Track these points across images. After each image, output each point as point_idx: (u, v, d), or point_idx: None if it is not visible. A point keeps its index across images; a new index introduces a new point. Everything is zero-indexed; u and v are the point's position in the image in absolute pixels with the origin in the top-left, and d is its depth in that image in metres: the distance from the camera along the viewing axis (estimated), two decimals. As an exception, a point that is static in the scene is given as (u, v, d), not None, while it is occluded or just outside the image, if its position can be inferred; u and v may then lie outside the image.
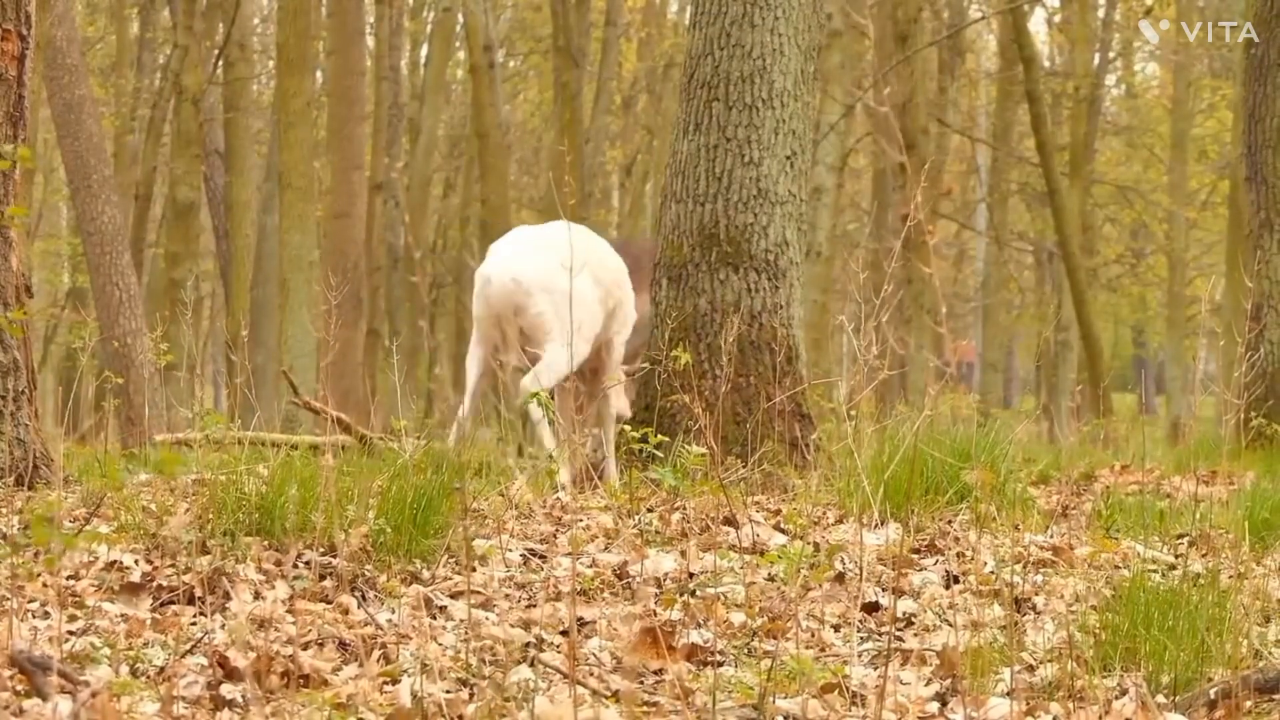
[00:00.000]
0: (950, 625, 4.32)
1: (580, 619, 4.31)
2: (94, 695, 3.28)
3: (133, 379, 14.12)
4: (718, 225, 8.19)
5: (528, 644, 4.04)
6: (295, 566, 4.57)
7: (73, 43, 15.61)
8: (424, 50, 29.51)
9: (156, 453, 8.49)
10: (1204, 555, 5.36)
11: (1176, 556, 5.34)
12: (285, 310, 16.87)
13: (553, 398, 7.71)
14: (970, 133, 26.99)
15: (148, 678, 3.74)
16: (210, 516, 4.75)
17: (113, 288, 14.89)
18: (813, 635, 4.31)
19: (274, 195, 22.03)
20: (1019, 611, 4.55)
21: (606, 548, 5.22)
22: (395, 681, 3.70)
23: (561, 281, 7.48)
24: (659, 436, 6.84)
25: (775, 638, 4.20)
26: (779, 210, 8.24)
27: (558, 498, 6.32)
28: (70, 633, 4.03)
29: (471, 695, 3.61)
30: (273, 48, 24.42)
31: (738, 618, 4.37)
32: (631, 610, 4.40)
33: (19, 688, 3.47)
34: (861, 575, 4.76)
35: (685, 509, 5.78)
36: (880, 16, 20.59)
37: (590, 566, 4.92)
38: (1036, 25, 29.38)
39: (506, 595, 4.62)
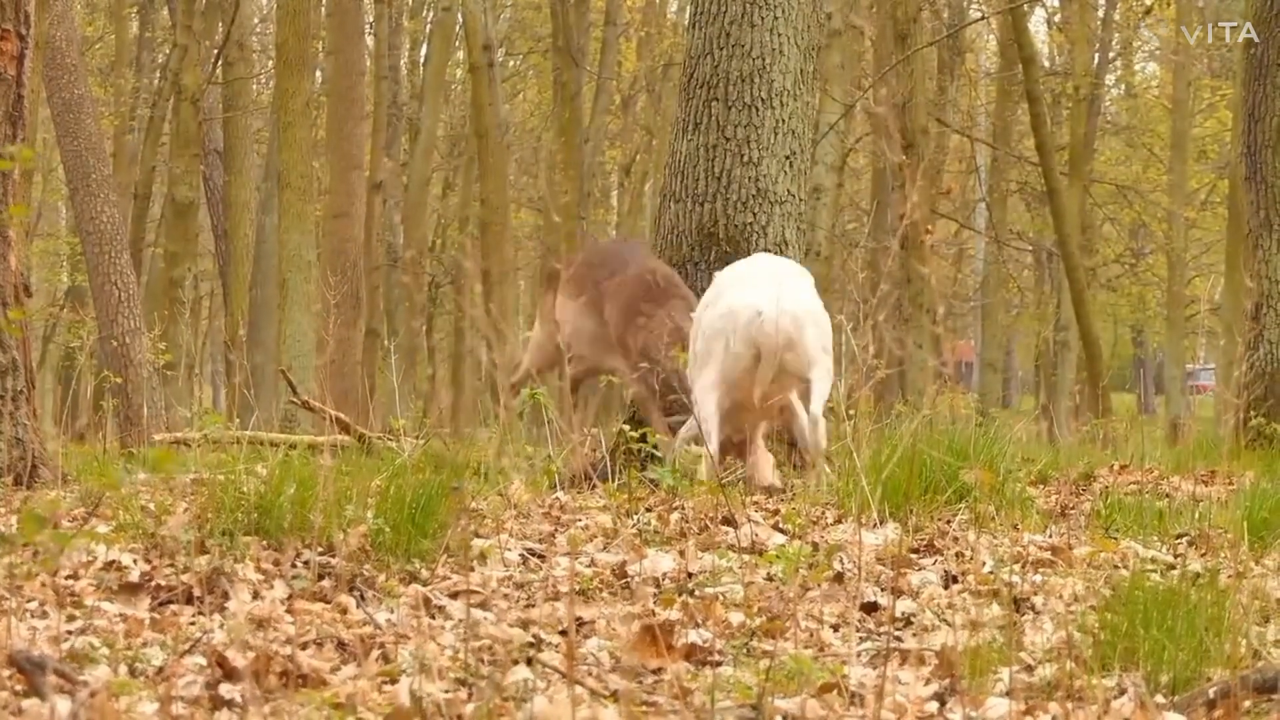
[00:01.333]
0: (949, 625, 4.32)
1: (579, 619, 4.31)
2: (92, 695, 3.28)
3: (131, 378, 14.13)
4: (717, 225, 8.19)
5: (526, 644, 4.03)
6: (294, 566, 4.57)
7: (72, 42, 15.61)
8: (423, 50, 29.52)
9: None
10: (1203, 555, 5.36)
11: (1175, 556, 5.34)
12: (284, 310, 16.88)
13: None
14: (970, 132, 26.99)
15: (146, 677, 3.73)
16: (209, 516, 4.74)
17: (111, 287, 14.89)
18: (811, 635, 4.31)
19: (273, 195, 22.04)
20: (1018, 611, 4.55)
21: (605, 547, 5.22)
22: (394, 681, 3.70)
23: (824, 313, 7.10)
24: (658, 436, 6.83)
25: (774, 637, 4.19)
26: (778, 210, 8.25)
27: (555, 497, 6.32)
28: (68, 632, 4.02)
29: (470, 695, 3.61)
30: (272, 47, 24.41)
31: (736, 617, 4.37)
32: (630, 610, 4.39)
33: (17, 687, 3.47)
34: (860, 575, 4.76)
35: (684, 509, 5.78)
36: (880, 16, 20.60)
37: (589, 566, 4.92)
38: (1036, 25, 29.40)
39: (505, 595, 4.62)
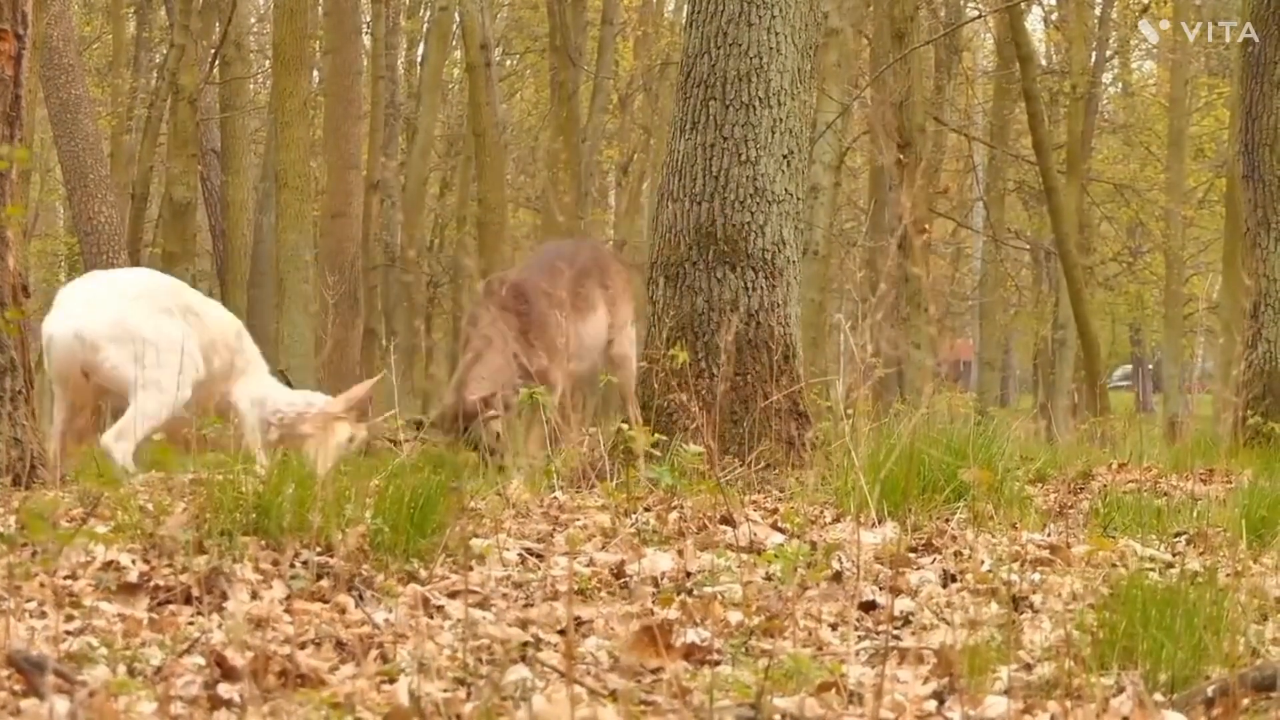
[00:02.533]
0: (948, 624, 4.32)
1: (577, 618, 4.31)
2: (91, 695, 3.28)
3: (130, 378, 14.11)
4: (715, 224, 8.18)
5: (525, 643, 4.03)
6: (292, 566, 4.57)
7: (69, 42, 15.62)
8: (420, 49, 29.52)
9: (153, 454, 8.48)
10: (1201, 553, 5.36)
11: (1174, 555, 5.34)
12: (282, 309, 16.87)
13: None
14: (967, 131, 26.99)
15: (145, 677, 3.73)
16: (207, 516, 4.74)
17: (110, 287, 14.86)
18: (810, 634, 4.31)
19: (270, 195, 22.03)
20: (1016, 610, 4.55)
21: (604, 547, 5.22)
22: (393, 681, 3.70)
23: (140, 329, 7.13)
24: (656, 435, 6.84)
25: (773, 636, 4.19)
26: (776, 209, 8.24)
27: (554, 496, 6.32)
28: (67, 632, 4.02)
29: (469, 694, 3.61)
30: (269, 47, 24.38)
31: (735, 616, 4.37)
32: (629, 609, 4.39)
33: (16, 688, 3.47)
34: (859, 574, 4.76)
35: (682, 508, 5.78)
36: (877, 15, 20.59)
37: (588, 566, 4.92)
38: (1033, 23, 29.41)
39: (504, 594, 4.62)
